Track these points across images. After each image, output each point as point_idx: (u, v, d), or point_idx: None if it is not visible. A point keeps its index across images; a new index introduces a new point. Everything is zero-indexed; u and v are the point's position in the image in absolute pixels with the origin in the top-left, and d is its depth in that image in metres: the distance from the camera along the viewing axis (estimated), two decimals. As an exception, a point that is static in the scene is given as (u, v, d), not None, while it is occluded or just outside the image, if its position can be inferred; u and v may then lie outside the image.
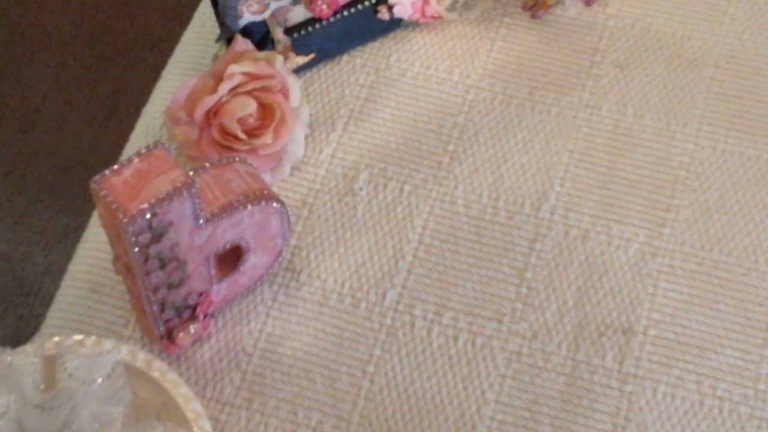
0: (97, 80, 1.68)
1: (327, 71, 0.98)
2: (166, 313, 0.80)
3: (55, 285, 0.91)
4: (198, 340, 0.84)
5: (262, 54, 0.91)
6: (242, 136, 0.88)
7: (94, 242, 0.89)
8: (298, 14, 0.94)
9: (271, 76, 0.89)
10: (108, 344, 0.77)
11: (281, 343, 0.84)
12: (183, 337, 0.82)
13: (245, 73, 0.89)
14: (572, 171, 0.92)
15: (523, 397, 0.81)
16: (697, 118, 0.94)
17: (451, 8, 0.99)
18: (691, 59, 0.97)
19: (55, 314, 0.87)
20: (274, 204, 0.80)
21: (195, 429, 0.75)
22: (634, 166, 0.92)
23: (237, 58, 0.90)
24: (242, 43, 0.91)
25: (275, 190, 0.88)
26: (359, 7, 0.96)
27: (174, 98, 0.91)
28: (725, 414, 0.80)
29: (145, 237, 0.72)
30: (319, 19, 0.94)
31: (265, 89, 0.89)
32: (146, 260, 0.74)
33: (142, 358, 0.78)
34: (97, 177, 0.72)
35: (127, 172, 0.72)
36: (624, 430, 0.80)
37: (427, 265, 0.87)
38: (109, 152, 1.12)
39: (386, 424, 0.81)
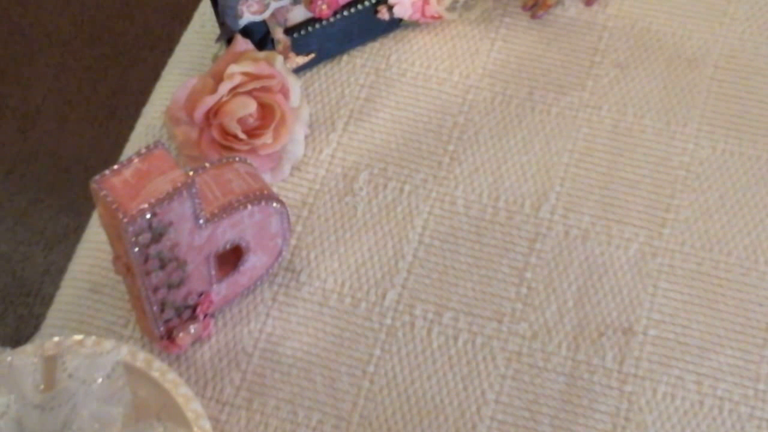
0: (97, 80, 1.68)
1: (327, 71, 0.98)
2: (166, 313, 0.80)
3: (55, 285, 0.91)
4: (198, 340, 0.84)
5: (262, 54, 0.91)
6: (242, 136, 0.88)
7: (94, 242, 0.89)
8: (298, 14, 0.94)
9: (271, 76, 0.89)
10: (108, 344, 0.77)
11: (281, 343, 0.84)
12: (183, 337, 0.82)
13: (245, 73, 0.89)
14: (572, 171, 0.92)
15: (523, 397, 0.81)
16: (697, 118, 0.94)
17: (451, 8, 0.99)
18: (691, 59, 0.97)
19: (55, 314, 0.87)
20: (274, 204, 0.80)
21: (195, 429, 0.75)
22: (634, 166, 0.92)
23: (237, 58, 0.90)
24: (242, 43, 0.91)
25: (275, 190, 0.88)
26: (359, 7, 0.96)
27: (174, 98, 0.91)
28: (725, 414, 0.81)
29: (145, 237, 0.72)
30: (319, 19, 0.94)
31: (265, 89, 0.89)
32: (146, 260, 0.74)
33: (142, 358, 0.78)
34: (97, 177, 0.72)
35: (127, 172, 0.72)
36: (624, 430, 0.80)
37: (427, 265, 0.87)
38: (109, 152, 1.12)
39: (386, 424, 0.81)
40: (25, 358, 0.74)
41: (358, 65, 0.98)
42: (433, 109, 0.95)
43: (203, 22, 1.02)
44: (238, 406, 0.81)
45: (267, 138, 0.89)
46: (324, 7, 0.93)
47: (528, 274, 0.87)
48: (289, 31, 0.94)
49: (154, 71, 1.04)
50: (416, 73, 0.97)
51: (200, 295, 0.81)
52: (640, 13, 1.00)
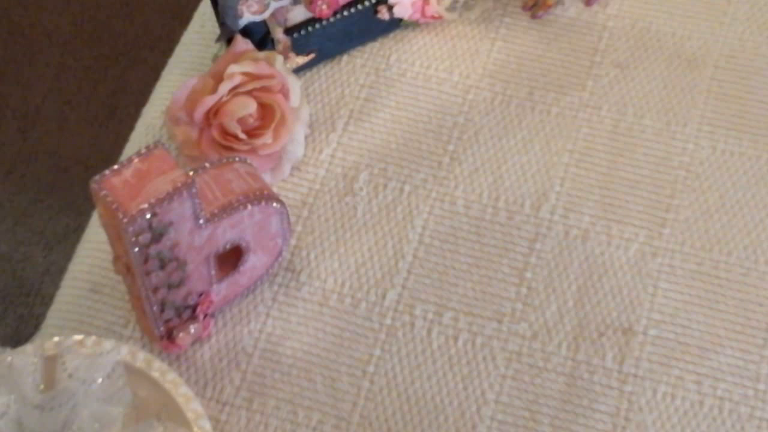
0: (97, 80, 1.68)
1: (327, 71, 0.98)
2: (166, 313, 0.80)
3: (55, 285, 0.91)
4: (198, 340, 0.84)
5: (262, 54, 0.91)
6: (242, 136, 0.88)
7: (94, 242, 0.89)
8: (298, 14, 0.94)
9: (271, 76, 0.89)
10: (108, 344, 0.77)
11: (281, 343, 0.84)
12: (183, 337, 0.82)
13: (245, 73, 0.89)
14: (572, 171, 0.92)
15: (523, 397, 0.81)
16: (697, 118, 0.94)
17: (451, 8, 0.99)
18: (691, 59, 0.97)
19: (55, 314, 0.87)
20: (274, 204, 0.80)
21: (195, 429, 0.75)
22: (634, 166, 0.92)
23: (237, 58, 0.90)
24: (242, 43, 0.91)
25: (275, 190, 0.88)
26: (359, 7, 0.96)
27: (174, 98, 0.91)
28: (725, 414, 0.81)
29: (145, 237, 0.72)
30: (319, 19, 0.94)
31: (265, 89, 0.89)
32: (146, 260, 0.74)
33: (142, 358, 0.78)
34: (97, 177, 0.72)
35: (127, 172, 0.72)
36: (624, 430, 0.80)
37: (427, 265, 0.87)
38: (109, 152, 1.12)
39: (386, 424, 0.81)
40: (25, 358, 0.74)
41: (358, 65, 0.98)
42: (433, 109, 0.95)
43: (203, 22, 1.02)
44: (238, 406, 0.82)
45: (267, 138, 0.89)
46: (324, 7, 0.93)
47: (528, 274, 0.87)
48: (289, 31, 0.94)
49: (154, 71, 1.04)
50: (416, 73, 0.97)
51: (200, 295, 0.81)
52: (640, 13, 1.00)
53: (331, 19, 0.95)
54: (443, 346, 0.84)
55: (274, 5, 0.91)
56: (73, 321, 0.85)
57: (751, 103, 0.95)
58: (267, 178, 0.90)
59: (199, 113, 0.89)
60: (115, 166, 0.72)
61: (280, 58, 0.91)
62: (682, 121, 0.94)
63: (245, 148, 0.89)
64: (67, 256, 0.93)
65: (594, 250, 0.88)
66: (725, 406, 0.81)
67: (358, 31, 0.97)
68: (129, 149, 0.95)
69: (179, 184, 0.71)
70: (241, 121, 0.88)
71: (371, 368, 0.83)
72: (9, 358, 0.74)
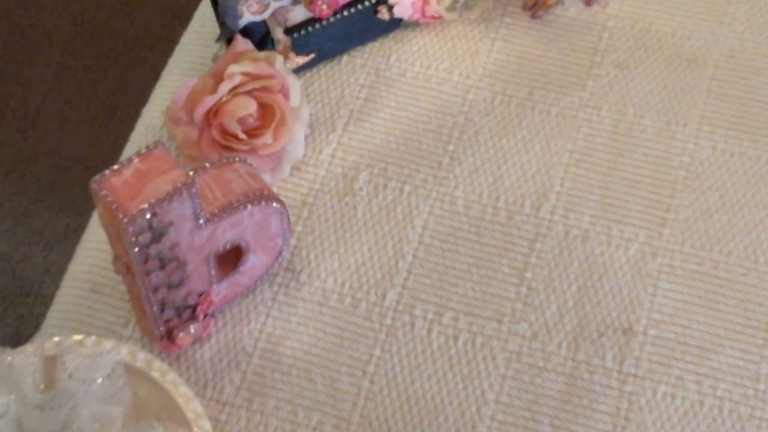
0: (97, 80, 1.68)
1: (327, 71, 0.98)
2: (166, 313, 0.80)
3: (55, 285, 0.91)
4: (198, 340, 0.84)
5: (262, 54, 0.91)
6: (242, 136, 0.88)
7: (94, 242, 0.89)
8: (298, 14, 0.94)
9: (271, 76, 0.89)
10: (108, 344, 0.77)
11: (281, 343, 0.84)
12: (183, 337, 0.82)
13: (245, 73, 0.89)
14: (572, 171, 0.92)
15: (523, 397, 0.82)
16: (697, 118, 0.94)
17: (451, 8, 0.99)
18: (691, 59, 0.97)
19: (55, 314, 0.87)
20: (274, 204, 0.80)
21: (195, 429, 0.75)
22: (634, 166, 0.92)
23: (237, 58, 0.90)
24: (242, 43, 0.91)
25: (275, 190, 0.88)
26: (359, 7, 0.96)
27: (174, 98, 0.91)
28: (725, 414, 0.81)
29: (145, 237, 0.72)
30: (319, 19, 0.94)
31: (265, 89, 0.89)
32: (146, 260, 0.74)
33: (142, 358, 0.78)
34: (97, 177, 0.72)
35: (127, 172, 0.72)
36: (624, 430, 0.80)
37: (427, 265, 0.87)
38: (109, 152, 1.12)
39: (386, 424, 0.81)
40: (25, 358, 0.74)
41: (358, 65, 0.98)
42: (433, 109, 0.95)
43: (203, 22, 1.02)
44: (238, 406, 0.82)
45: (267, 138, 0.89)
46: (324, 7, 0.93)
47: (528, 274, 0.87)
48: (289, 31, 0.94)
49: (154, 71, 1.04)
50: (416, 73, 0.97)
51: (200, 295, 0.81)
52: (640, 13, 1.00)
53: (331, 19, 0.95)
54: (443, 346, 0.84)
55: (274, 5, 0.91)
56: (73, 321, 0.85)
57: (751, 103, 0.95)
58: (267, 178, 0.90)
59: (199, 113, 0.89)
60: (115, 166, 0.72)
61: (280, 58, 0.91)
62: (682, 121, 0.94)
63: (245, 148, 0.89)
64: (67, 256, 0.93)
65: (594, 250, 0.88)
66: (725, 406, 0.81)
67: (358, 31, 0.97)
68: (129, 149, 0.95)
69: (179, 184, 0.71)
70: (241, 121, 0.88)
71: (371, 368, 0.83)
72: (9, 358, 0.74)
